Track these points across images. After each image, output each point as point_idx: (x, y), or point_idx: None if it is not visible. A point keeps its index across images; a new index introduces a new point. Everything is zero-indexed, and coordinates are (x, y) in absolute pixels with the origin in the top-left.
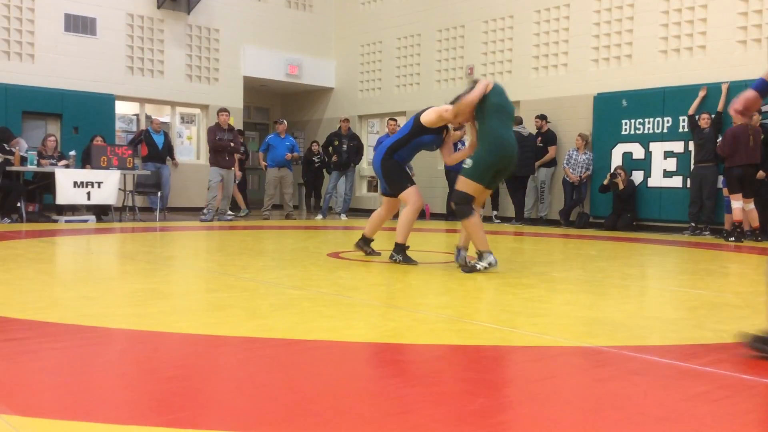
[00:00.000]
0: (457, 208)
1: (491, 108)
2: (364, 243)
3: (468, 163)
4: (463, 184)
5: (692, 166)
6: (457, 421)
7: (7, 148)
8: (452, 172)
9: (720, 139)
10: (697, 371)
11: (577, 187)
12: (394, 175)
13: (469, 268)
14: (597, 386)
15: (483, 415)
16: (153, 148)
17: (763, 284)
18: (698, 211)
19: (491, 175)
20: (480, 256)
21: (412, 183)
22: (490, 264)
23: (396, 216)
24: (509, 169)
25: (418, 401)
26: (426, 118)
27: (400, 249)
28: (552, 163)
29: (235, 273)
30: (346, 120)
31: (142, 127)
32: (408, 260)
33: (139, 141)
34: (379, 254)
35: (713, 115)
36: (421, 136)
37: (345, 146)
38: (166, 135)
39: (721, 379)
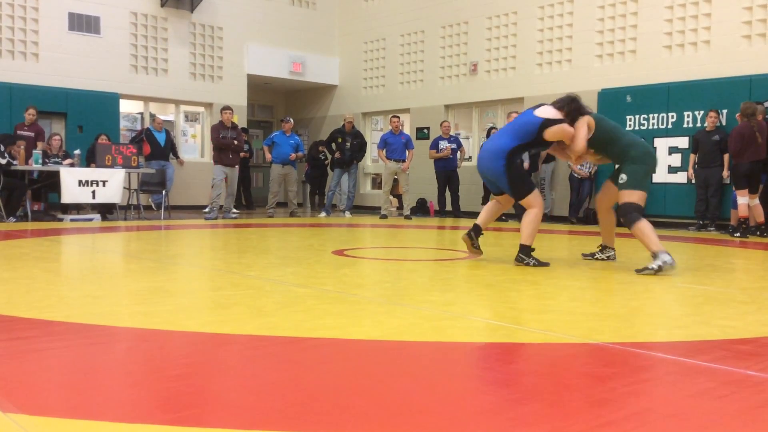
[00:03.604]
0: (626, 218)
1: (612, 134)
2: (476, 233)
3: (623, 178)
4: (631, 195)
5: (695, 167)
6: (463, 419)
7: (2, 149)
8: (443, 172)
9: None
10: (702, 368)
11: (584, 182)
12: (520, 178)
13: (643, 270)
14: (602, 383)
15: (489, 412)
16: (155, 147)
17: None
18: (705, 209)
19: (649, 179)
20: (653, 255)
21: (534, 186)
22: (664, 263)
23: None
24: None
25: (423, 399)
26: (550, 136)
27: (528, 251)
28: (549, 158)
29: (240, 271)
30: (351, 119)
31: (147, 125)
32: (540, 262)
33: (140, 139)
34: (481, 253)
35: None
36: (539, 146)
37: (348, 144)
38: (168, 133)
39: (727, 376)
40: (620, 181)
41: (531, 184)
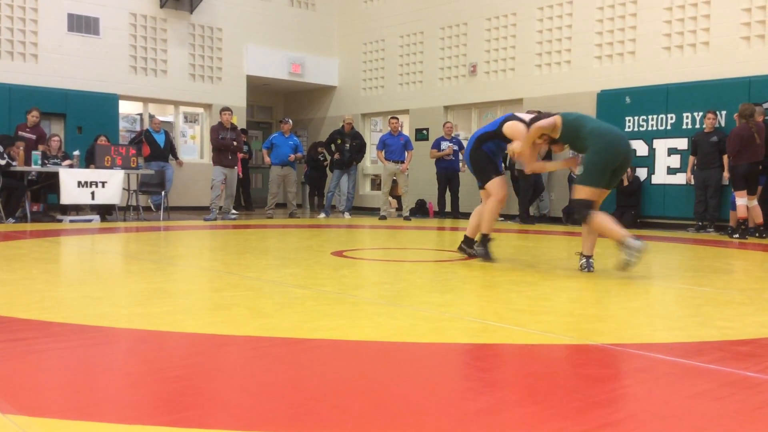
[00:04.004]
0: (577, 215)
1: (574, 124)
2: (467, 245)
3: (580, 170)
4: (579, 191)
5: (695, 169)
6: (461, 420)
7: (1, 150)
8: (444, 173)
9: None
10: (701, 369)
11: None
12: (482, 164)
13: (624, 265)
14: (601, 384)
15: (488, 413)
16: (155, 148)
17: None
18: (704, 210)
19: (608, 176)
20: (621, 246)
21: (498, 174)
22: (635, 248)
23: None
24: (627, 165)
25: (422, 400)
26: (505, 130)
27: (484, 241)
28: (546, 158)
29: (239, 272)
30: (350, 120)
31: (146, 126)
32: (487, 255)
33: (139, 141)
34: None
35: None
36: (501, 141)
37: (347, 145)
38: (167, 133)
39: (726, 377)
40: (577, 172)
41: (493, 172)
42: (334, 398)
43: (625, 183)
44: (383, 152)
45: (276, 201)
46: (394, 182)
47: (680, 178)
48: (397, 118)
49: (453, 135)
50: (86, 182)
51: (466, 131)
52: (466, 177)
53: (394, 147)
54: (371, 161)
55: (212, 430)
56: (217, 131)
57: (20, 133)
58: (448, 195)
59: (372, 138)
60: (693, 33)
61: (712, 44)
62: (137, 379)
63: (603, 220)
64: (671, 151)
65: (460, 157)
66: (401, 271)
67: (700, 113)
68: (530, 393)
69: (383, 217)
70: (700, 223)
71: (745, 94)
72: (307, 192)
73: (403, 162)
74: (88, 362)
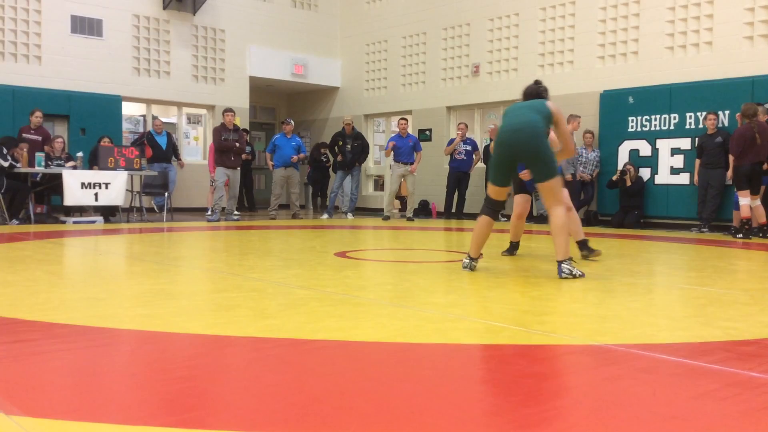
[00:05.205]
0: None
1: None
2: (582, 247)
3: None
4: (488, 187)
5: (698, 168)
6: (465, 421)
7: (5, 152)
8: (455, 173)
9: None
10: (705, 369)
11: (586, 185)
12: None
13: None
14: (605, 385)
15: (492, 414)
16: (157, 149)
17: None
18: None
19: (497, 171)
20: (469, 256)
21: (516, 192)
22: (465, 267)
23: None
24: (523, 155)
25: (426, 401)
26: None
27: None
28: None
29: (243, 273)
30: (349, 121)
31: (149, 127)
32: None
33: (141, 143)
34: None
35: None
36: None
37: (349, 146)
38: (169, 135)
39: (730, 377)
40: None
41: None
42: (338, 399)
43: (629, 183)
44: (392, 153)
45: (279, 202)
46: (401, 183)
47: (683, 178)
48: (406, 119)
49: (468, 137)
50: (90, 183)
51: (469, 132)
52: (476, 179)
53: (403, 149)
54: (374, 162)
55: (216, 430)
56: (219, 132)
57: (24, 134)
58: (455, 196)
59: (375, 139)
60: (696, 33)
61: (715, 44)
62: (141, 380)
63: (478, 226)
64: (674, 151)
65: (474, 158)
66: (404, 271)
67: (704, 113)
68: (534, 394)
69: (386, 218)
70: (703, 223)
71: (748, 93)
72: (310, 193)
73: (412, 163)
74: (92, 363)
